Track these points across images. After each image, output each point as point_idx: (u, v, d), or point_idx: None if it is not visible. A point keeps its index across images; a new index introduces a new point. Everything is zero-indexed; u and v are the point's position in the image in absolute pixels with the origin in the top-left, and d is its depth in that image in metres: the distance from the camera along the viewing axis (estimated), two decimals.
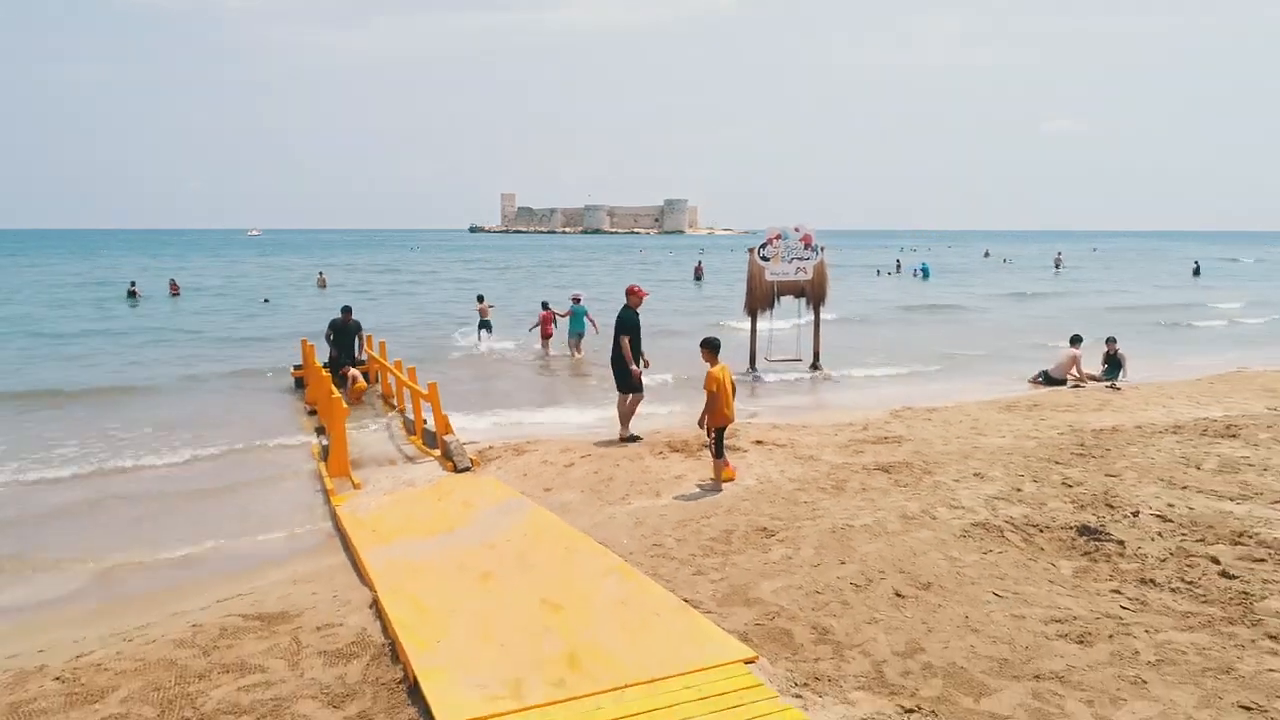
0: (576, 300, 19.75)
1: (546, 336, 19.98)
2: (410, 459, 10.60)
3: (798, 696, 4.37)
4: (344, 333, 14.97)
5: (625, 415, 10.92)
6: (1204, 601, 5.65)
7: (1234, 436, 9.91)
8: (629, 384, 10.78)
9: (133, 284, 40.75)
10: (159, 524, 8.66)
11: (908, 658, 4.93)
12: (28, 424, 13.26)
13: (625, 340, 10.63)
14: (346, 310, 15.21)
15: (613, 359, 10.94)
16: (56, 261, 78.20)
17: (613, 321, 11.04)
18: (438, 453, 10.29)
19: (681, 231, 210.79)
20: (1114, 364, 15.80)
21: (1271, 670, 4.71)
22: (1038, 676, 4.71)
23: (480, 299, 23.90)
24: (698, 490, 8.41)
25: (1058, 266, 67.45)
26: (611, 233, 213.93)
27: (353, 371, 14.52)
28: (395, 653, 4.95)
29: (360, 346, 15.38)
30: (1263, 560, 6.25)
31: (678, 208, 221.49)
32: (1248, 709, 4.35)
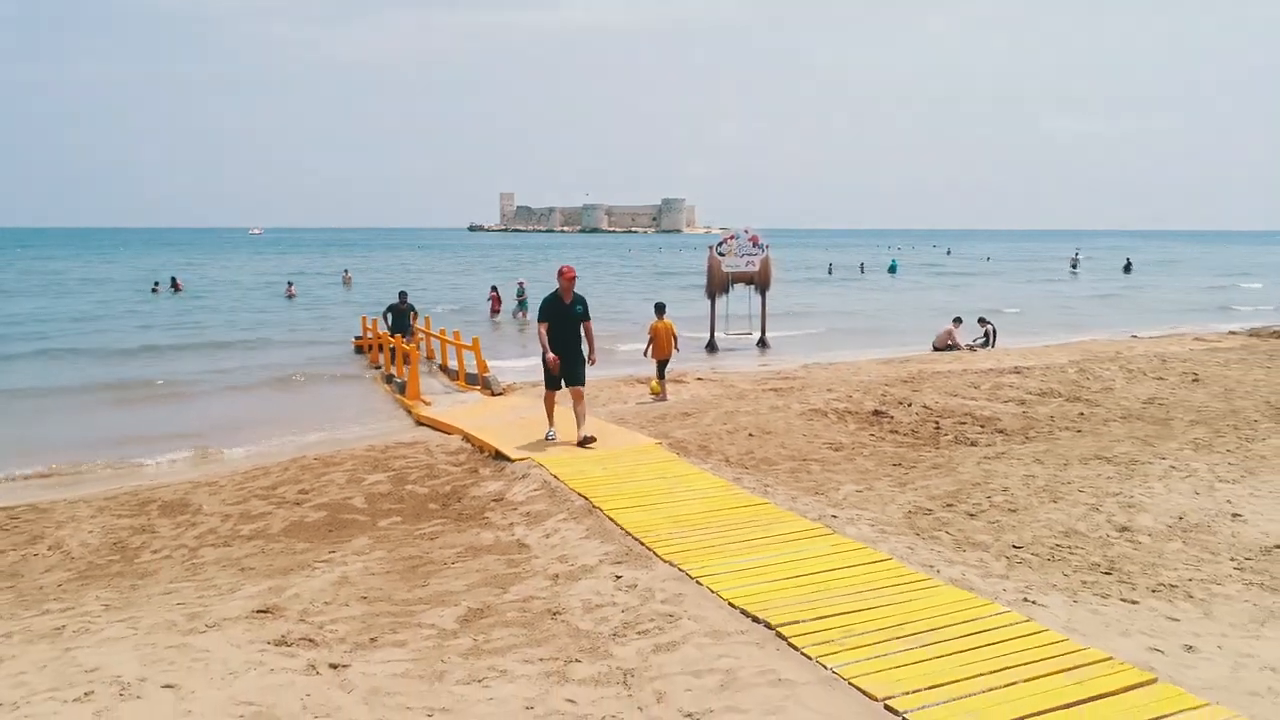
0: (521, 285, 30.75)
1: (495, 312, 29.93)
2: (459, 392, 15.33)
3: (680, 458, 9.09)
4: (399, 313, 19.66)
5: (550, 410, 9.96)
6: (916, 438, 10.38)
7: (1017, 373, 14.61)
8: (550, 378, 9.72)
9: (156, 283, 44.95)
10: (303, 424, 13.45)
11: (745, 455, 9.61)
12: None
13: (542, 328, 9.52)
14: (402, 295, 19.90)
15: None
16: (77, 259, 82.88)
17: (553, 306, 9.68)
18: (478, 387, 15.00)
19: (679, 230, 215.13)
20: (987, 336, 20.54)
21: (920, 456, 9.41)
22: (805, 459, 9.39)
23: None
24: (651, 400, 13.19)
25: (1074, 267, 62.51)
26: (609, 231, 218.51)
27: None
28: (482, 449, 9.67)
29: (410, 323, 20.07)
30: (966, 424, 10.98)
31: (675, 207, 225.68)
32: (895, 465, 9.04)
